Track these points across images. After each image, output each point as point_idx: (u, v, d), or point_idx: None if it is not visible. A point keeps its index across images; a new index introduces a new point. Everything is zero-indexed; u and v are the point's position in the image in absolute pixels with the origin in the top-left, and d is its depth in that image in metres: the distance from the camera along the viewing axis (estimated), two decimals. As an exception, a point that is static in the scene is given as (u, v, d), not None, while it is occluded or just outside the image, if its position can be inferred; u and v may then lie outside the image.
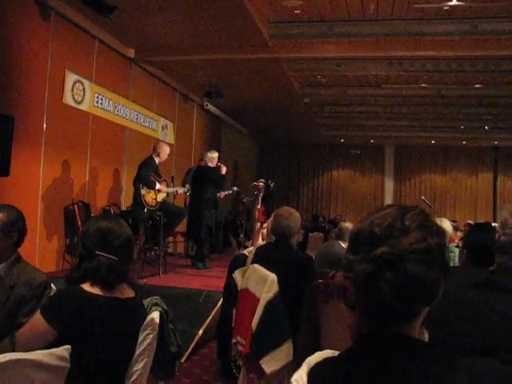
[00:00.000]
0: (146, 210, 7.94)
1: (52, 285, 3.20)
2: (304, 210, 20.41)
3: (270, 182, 8.46)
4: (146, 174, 8.01)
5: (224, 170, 9.03)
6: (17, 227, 3.13)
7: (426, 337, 1.62)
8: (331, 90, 13.38)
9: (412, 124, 16.90)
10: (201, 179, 9.02)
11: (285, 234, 4.17)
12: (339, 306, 3.06)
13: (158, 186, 8.09)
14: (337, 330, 2.98)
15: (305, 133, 19.20)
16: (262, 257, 4.08)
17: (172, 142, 12.31)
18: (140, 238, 8.12)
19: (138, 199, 7.96)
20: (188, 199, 9.94)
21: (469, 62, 10.60)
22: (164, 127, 12.07)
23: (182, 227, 9.83)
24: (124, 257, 2.56)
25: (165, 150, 8.32)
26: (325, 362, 1.28)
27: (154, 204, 8.05)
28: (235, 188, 9.93)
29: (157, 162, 8.25)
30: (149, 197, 8.00)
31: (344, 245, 6.42)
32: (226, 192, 9.44)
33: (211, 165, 9.07)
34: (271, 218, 4.47)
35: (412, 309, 1.19)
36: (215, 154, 9.19)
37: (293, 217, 4.21)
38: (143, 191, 7.92)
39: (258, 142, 20.69)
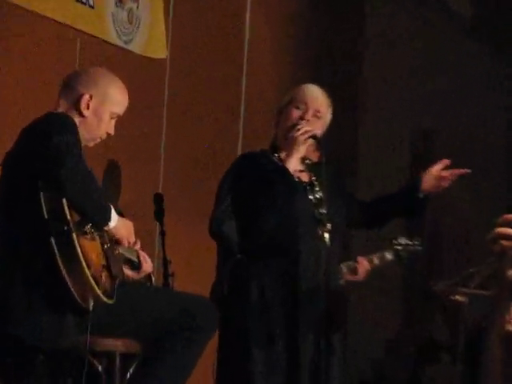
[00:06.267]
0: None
1: None
2: None
3: None
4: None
5: None
6: None
7: None
8: None
9: None
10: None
11: None
12: None
13: (114, 214, 3.98)
14: None
15: None
16: None
17: (162, 55, 7.10)
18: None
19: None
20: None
21: None
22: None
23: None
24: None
25: (114, 97, 4.17)
26: None
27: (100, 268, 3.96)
28: (413, 243, 5.41)
29: (82, 140, 3.77)
30: (88, 246, 3.65)
31: None
32: (376, 261, 5.29)
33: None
34: None
35: None
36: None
37: None
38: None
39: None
